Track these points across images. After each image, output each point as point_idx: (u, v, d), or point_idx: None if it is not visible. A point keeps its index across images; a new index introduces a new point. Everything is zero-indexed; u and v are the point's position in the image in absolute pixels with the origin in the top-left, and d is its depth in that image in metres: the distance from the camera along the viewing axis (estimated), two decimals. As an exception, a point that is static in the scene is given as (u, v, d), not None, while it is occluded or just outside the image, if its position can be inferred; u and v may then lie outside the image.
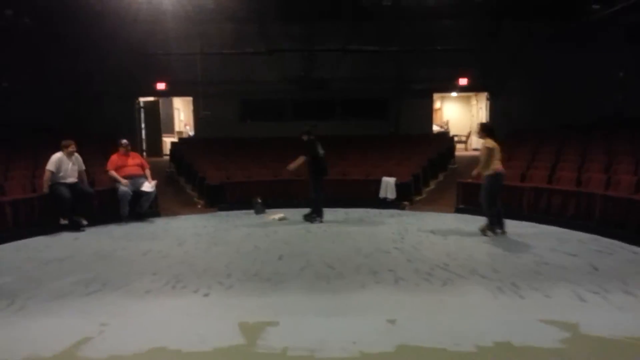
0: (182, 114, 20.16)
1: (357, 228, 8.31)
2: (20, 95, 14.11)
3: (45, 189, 8.19)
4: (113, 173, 9.08)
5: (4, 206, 7.57)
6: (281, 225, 8.74)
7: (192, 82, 15.19)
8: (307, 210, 9.03)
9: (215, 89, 15.20)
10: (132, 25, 13.42)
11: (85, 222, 8.47)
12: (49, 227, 8.07)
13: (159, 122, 16.84)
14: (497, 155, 7.24)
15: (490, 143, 7.27)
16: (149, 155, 16.34)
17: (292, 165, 8.76)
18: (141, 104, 16.56)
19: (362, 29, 13.92)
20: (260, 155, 12.51)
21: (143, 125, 16.64)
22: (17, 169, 9.52)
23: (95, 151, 10.94)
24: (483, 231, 7.57)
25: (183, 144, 14.79)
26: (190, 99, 16.40)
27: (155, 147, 16.51)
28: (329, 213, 9.35)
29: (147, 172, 9.48)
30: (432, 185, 12.31)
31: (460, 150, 16.27)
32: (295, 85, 14.95)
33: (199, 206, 10.78)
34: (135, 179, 9.17)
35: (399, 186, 10.47)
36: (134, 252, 6.71)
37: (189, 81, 15.19)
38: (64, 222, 8.24)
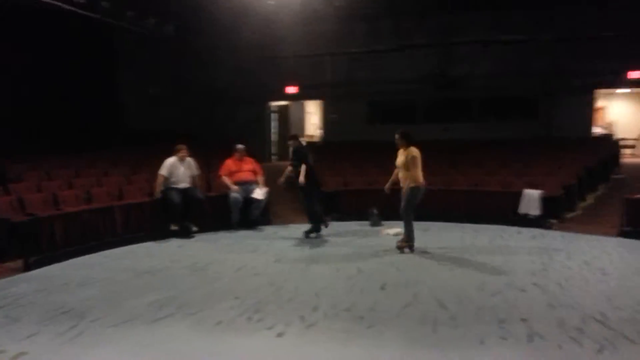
0: (314, 118, 19.95)
1: (486, 253, 6.85)
2: (161, 102, 14.94)
3: (157, 194, 8.14)
4: (225, 179, 8.81)
5: (114, 211, 7.61)
6: (395, 242, 7.62)
7: (320, 85, 14.79)
8: (429, 226, 7.79)
9: (343, 90, 14.58)
10: (262, 32, 13.38)
11: (195, 229, 8.27)
12: (159, 232, 7.99)
13: (288, 126, 16.73)
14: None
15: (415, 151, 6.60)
16: (278, 159, 16.33)
17: (301, 178, 7.72)
18: (272, 109, 16.63)
19: (507, 18, 12.19)
20: (384, 160, 11.42)
21: (273, 130, 16.71)
22: (141, 173, 9.77)
23: (227, 156, 10.84)
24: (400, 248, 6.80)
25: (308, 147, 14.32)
26: (321, 102, 16.03)
27: (284, 151, 16.40)
28: (453, 230, 8.01)
29: (260, 178, 9.06)
30: (590, 199, 10.13)
31: (628, 157, 13.47)
32: (429, 83, 13.68)
33: (314, 215, 10.10)
34: (246, 186, 8.79)
35: (545, 200, 8.67)
36: (228, 267, 6.17)
37: (317, 84, 14.81)
38: (174, 227, 8.11)
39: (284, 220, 9.47)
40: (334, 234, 8.32)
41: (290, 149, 8.37)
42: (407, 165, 6.67)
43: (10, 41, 10.48)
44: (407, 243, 6.85)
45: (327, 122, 15.08)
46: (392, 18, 13.38)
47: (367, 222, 8.99)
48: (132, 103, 14.79)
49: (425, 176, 6.81)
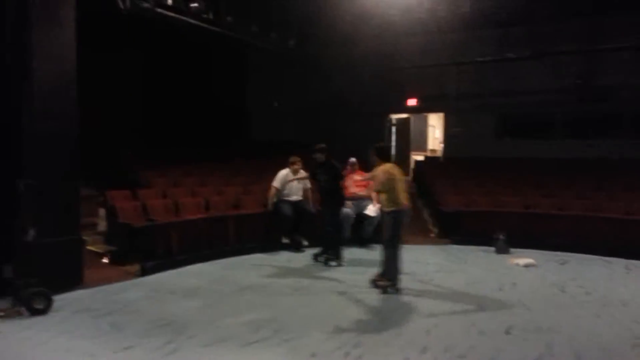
0: (437, 131, 19.01)
1: (643, 295, 5.66)
2: (284, 114, 15.21)
3: (270, 206, 8.06)
4: (338, 193, 8.48)
5: (228, 220, 7.65)
6: (525, 274, 6.67)
7: (443, 97, 13.94)
8: (566, 258, 6.72)
9: (468, 103, 13.56)
10: (384, 42, 13.01)
11: (305, 243, 8.06)
12: (271, 244, 7.90)
13: (408, 139, 16.06)
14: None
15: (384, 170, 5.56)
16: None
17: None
18: (392, 121, 16.11)
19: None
20: (513, 179, 10.36)
21: (393, 143, 16.16)
22: (260, 183, 9.81)
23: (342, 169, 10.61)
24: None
25: (427, 163, 13.58)
26: (443, 114, 15.16)
27: (403, 165, 15.75)
28: (597, 265, 6.82)
29: (374, 194, 8.57)
30: None
31: None
32: (570, 95, 12.15)
33: (432, 235, 9.38)
34: (358, 201, 8.37)
35: None
36: (332, 288, 5.79)
37: (440, 96, 13.99)
38: (285, 240, 7.98)
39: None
40: (451, 258, 7.56)
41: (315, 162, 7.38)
42: (381, 186, 5.63)
43: (144, 52, 11.26)
44: (389, 281, 5.63)
45: (450, 136, 14.15)
46: (526, 22, 12.16)
47: (492, 249, 8.03)
48: (256, 114, 15.24)
49: (406, 197, 5.76)
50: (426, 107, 14.93)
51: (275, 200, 8.03)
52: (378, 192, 5.75)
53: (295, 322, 4.62)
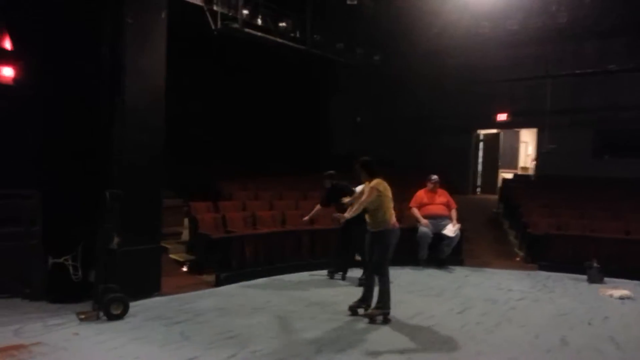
0: (530, 148, 17.96)
1: None
2: (366, 129, 15.16)
3: (342, 222, 7.97)
4: (415, 211, 8.24)
5: (301, 235, 7.69)
6: (620, 307, 6.01)
7: (537, 112, 13.17)
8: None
9: (564, 118, 12.71)
10: (469, 56, 12.58)
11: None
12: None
13: (497, 155, 15.31)
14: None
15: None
16: (483, 192, 15.06)
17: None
18: (480, 137, 15.47)
19: None
20: (612, 201, 9.47)
21: (480, 160, 15.49)
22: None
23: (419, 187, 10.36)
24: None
25: (516, 181, 12.81)
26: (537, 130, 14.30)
27: (490, 183, 15.04)
28: None
29: (453, 213, 8.23)
30: None
31: None
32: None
33: (517, 259, 8.78)
34: (437, 220, 8.07)
35: None
36: (402, 311, 5.54)
37: (533, 110, 13.24)
38: (358, 258, 7.83)
39: (479, 263, 8.40)
40: (537, 286, 7.02)
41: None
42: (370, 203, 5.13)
43: (228, 71, 11.72)
44: (380, 310, 5.16)
45: (543, 153, 13.29)
46: (628, 33, 11.20)
47: (583, 277, 7.35)
48: (339, 129, 15.34)
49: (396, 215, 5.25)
50: (518, 122, 14.21)
51: (349, 217, 7.93)
52: (365, 210, 5.31)
53: (357, 345, 4.48)
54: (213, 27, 9.19)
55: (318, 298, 6.06)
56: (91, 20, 5.76)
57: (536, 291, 6.76)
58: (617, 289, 6.55)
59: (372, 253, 5.36)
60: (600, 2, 10.62)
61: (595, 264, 7.30)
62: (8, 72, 7.48)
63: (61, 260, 5.47)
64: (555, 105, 12.83)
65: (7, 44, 7.55)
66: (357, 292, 5.75)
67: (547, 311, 5.79)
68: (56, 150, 5.81)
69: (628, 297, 6.32)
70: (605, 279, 7.18)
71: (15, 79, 7.48)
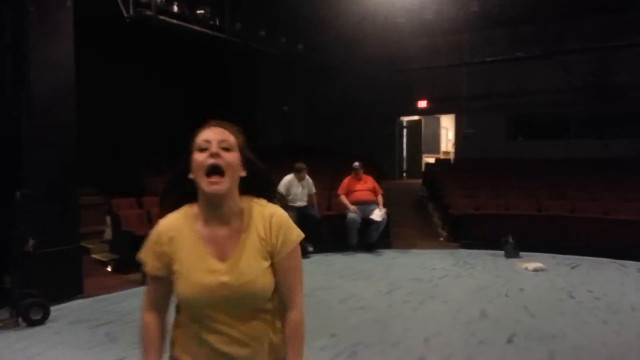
0: (450, 133, 18.79)
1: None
2: (294, 118, 15.20)
3: (274, 212, 7.99)
4: (343, 198, 8.39)
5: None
6: (534, 278, 6.48)
7: (454, 98, 13.78)
8: (578, 262, 6.53)
9: (479, 103, 13.39)
10: (392, 45, 12.88)
11: (310, 249, 7.96)
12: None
13: (420, 141, 15.91)
14: None
15: None
16: (408, 176, 15.59)
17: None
18: (404, 124, 15.99)
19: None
20: (525, 181, 10.14)
21: (405, 146, 16.03)
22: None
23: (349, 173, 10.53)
24: None
25: (437, 165, 13.38)
26: (455, 116, 14.97)
27: (415, 168, 15.61)
28: (609, 269, 6.61)
29: (379, 198, 8.48)
30: None
31: None
32: (583, 94, 11.90)
33: (441, 239, 9.21)
34: (364, 206, 8.27)
35: None
36: (334, 296, 5.67)
37: (451, 97, 13.83)
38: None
39: (406, 244, 8.72)
40: (459, 263, 7.40)
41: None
42: None
43: (151, 61, 11.29)
44: None
45: (462, 137, 13.96)
46: (536, 21, 11.92)
47: (501, 253, 7.85)
48: (266, 120, 15.25)
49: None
50: (437, 108, 14.80)
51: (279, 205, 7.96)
52: None
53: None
54: (125, 14, 8.76)
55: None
56: (-10, 9, 5.33)
57: (458, 268, 7.13)
58: (531, 262, 7.05)
59: None
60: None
61: (510, 240, 7.80)
62: None
63: (-30, 267, 5.08)
64: (472, 91, 13.50)
65: None
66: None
67: (468, 286, 6.13)
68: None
69: (541, 269, 6.82)
70: (521, 253, 7.69)
71: None
